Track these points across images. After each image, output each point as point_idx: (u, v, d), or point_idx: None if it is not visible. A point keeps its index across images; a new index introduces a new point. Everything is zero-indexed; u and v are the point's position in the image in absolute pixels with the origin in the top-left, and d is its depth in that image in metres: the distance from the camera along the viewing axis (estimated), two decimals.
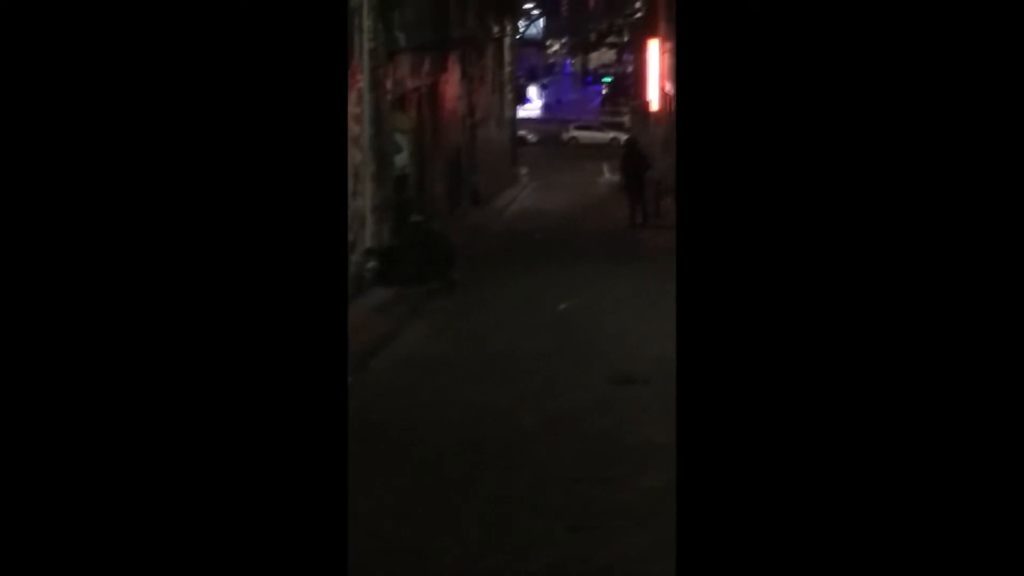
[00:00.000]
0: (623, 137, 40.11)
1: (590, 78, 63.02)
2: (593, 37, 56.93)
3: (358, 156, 13.16)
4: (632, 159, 21.33)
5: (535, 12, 58.55)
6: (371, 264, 13.24)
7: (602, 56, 60.59)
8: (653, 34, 31.62)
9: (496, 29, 26.78)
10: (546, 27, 63.55)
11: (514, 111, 32.20)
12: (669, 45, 28.53)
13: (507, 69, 29.49)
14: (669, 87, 28.51)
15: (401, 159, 15.64)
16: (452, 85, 20.44)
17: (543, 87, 62.51)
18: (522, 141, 37.25)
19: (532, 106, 57.37)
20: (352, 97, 12.85)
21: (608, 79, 58.40)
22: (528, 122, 46.80)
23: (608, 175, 32.04)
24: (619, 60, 56.83)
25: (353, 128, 12.93)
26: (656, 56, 31.11)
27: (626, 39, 48.20)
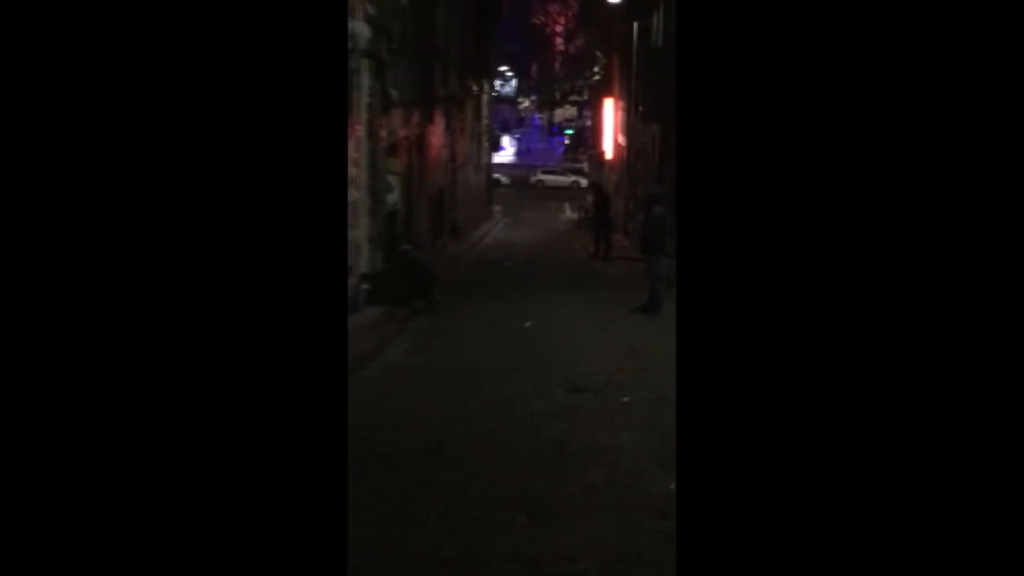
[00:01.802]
0: (582, 181, 40.22)
1: (555, 130, 63.09)
2: (558, 95, 57.03)
3: (356, 194, 13.14)
4: (599, 200, 21.62)
5: (509, 74, 58.84)
6: (365, 286, 13.22)
7: (565, 112, 60.69)
8: (609, 94, 31.75)
9: (475, 88, 26.82)
10: (518, 86, 63.77)
11: (490, 157, 32.25)
12: (622, 104, 28.61)
13: (484, 122, 29.51)
14: (621, 139, 28.58)
15: (392, 197, 15.58)
16: (437, 135, 20.42)
17: (515, 137, 62.64)
18: (496, 183, 37.26)
19: (505, 153, 57.47)
20: (351, 144, 12.85)
21: (570, 131, 58.54)
22: (501, 167, 46.85)
23: (569, 213, 32.05)
24: (580, 115, 56.92)
25: (352, 170, 12.89)
26: (611, 112, 31.22)
27: (586, 98, 48.25)
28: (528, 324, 12.21)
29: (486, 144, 30.51)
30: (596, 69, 36.64)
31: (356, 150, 13.12)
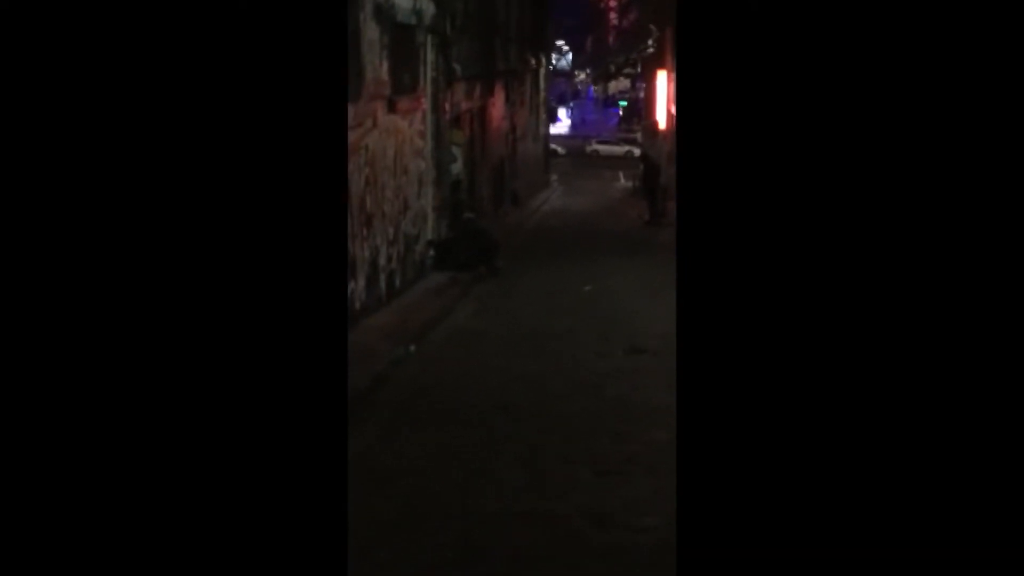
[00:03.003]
0: (635, 151, 39.86)
1: (609, 101, 62.62)
2: (612, 68, 56.47)
3: (422, 164, 13.14)
4: (648, 169, 21.39)
5: (565, 48, 58.43)
6: (431, 253, 13.24)
7: (619, 84, 60.13)
8: (661, 66, 31.34)
9: (533, 62, 26.64)
10: (574, 60, 63.32)
11: (547, 128, 32.06)
12: (674, 76, 28.25)
13: (542, 94, 29.33)
14: (673, 109, 28.23)
15: (456, 167, 15.56)
16: (497, 107, 20.32)
17: (571, 109, 62.29)
18: (553, 153, 37.02)
19: (561, 124, 57.11)
20: (417, 117, 12.82)
21: (623, 103, 58.01)
22: (558, 138, 46.58)
23: (623, 181, 31.79)
24: (633, 87, 56.34)
25: (418, 142, 12.88)
26: (663, 84, 30.83)
27: (639, 70, 47.73)
28: (587, 288, 12.13)
29: (544, 116, 30.32)
30: (649, 42, 36.17)
31: (422, 123, 13.11)
